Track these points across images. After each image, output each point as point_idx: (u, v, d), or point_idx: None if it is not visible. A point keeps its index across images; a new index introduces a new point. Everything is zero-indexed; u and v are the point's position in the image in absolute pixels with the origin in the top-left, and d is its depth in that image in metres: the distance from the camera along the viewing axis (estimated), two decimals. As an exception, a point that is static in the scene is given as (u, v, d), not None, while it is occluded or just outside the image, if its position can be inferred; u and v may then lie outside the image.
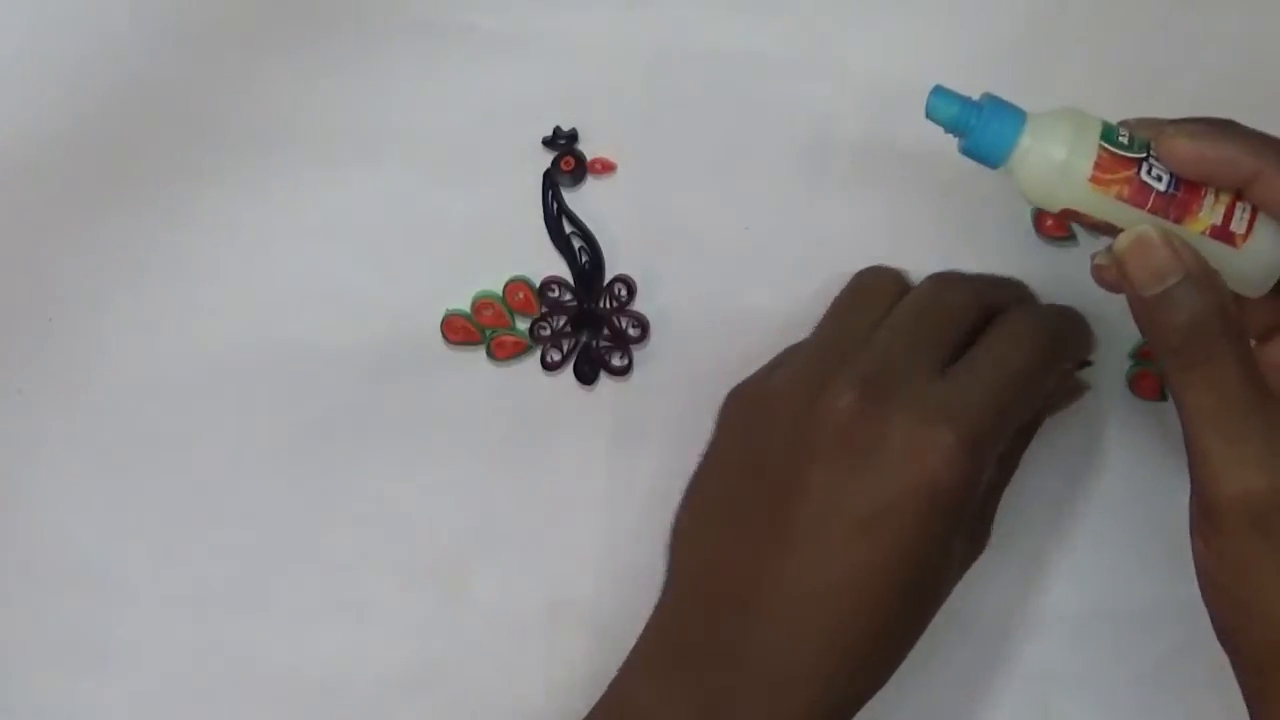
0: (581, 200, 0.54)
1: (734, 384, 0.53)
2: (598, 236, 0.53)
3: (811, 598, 0.42)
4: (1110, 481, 0.53)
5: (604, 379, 0.54)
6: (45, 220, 0.54)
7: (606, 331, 0.53)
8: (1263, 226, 0.40)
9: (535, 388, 0.54)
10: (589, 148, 0.54)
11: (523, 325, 0.54)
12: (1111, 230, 0.41)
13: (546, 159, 0.54)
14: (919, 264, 0.51)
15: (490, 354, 0.54)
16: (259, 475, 0.53)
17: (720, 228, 0.53)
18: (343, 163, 0.53)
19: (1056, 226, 0.53)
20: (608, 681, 0.52)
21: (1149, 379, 0.53)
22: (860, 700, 0.44)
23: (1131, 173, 0.40)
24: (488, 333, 0.53)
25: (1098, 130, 0.40)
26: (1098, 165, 0.40)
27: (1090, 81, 0.53)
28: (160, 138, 0.53)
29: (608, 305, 0.53)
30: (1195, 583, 0.52)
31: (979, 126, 0.41)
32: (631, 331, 0.53)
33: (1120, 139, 0.40)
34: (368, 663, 0.53)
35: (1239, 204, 0.40)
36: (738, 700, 0.42)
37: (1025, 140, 0.41)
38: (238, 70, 0.54)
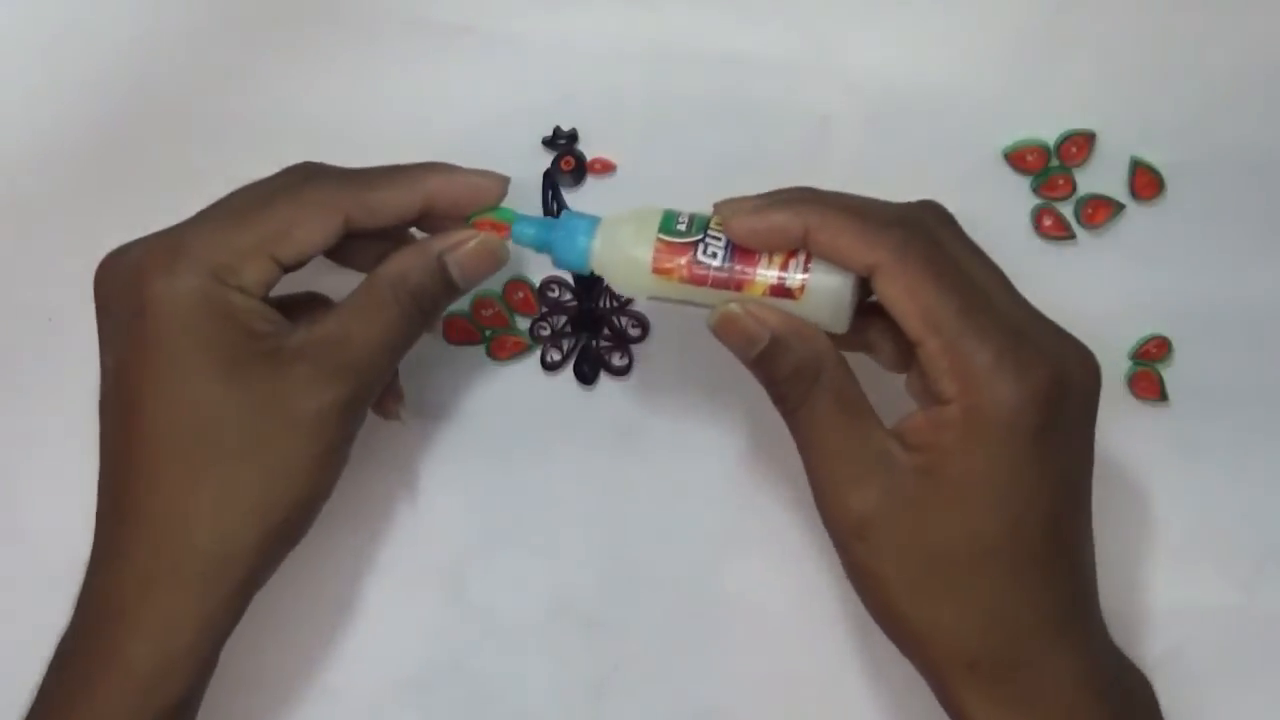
0: (581, 200, 0.54)
1: (733, 384, 0.53)
2: (598, 236, 0.53)
3: (107, 448, 0.45)
4: (1109, 482, 0.53)
5: (604, 379, 0.54)
6: (45, 220, 0.54)
7: (606, 331, 0.53)
8: (816, 274, 0.42)
9: (535, 388, 0.54)
10: (589, 148, 0.54)
11: (523, 325, 0.54)
12: (701, 306, 0.44)
13: (546, 159, 0.54)
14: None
15: (490, 354, 0.54)
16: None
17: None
18: (342, 162, 0.53)
19: (1055, 226, 0.54)
20: (608, 681, 0.52)
21: (1148, 379, 0.53)
22: (246, 517, 0.43)
23: (688, 257, 0.43)
24: (488, 333, 0.53)
25: (657, 223, 0.44)
26: (656, 255, 0.43)
27: (1090, 81, 0.53)
28: (161, 138, 0.53)
29: (608, 305, 0.53)
30: (1194, 584, 0.52)
31: (555, 241, 0.45)
32: (631, 331, 0.53)
33: (678, 227, 0.43)
34: (368, 663, 0.53)
35: (791, 261, 0.43)
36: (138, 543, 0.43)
37: (596, 246, 0.44)
38: (238, 70, 0.54)
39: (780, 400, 0.44)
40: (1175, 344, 0.53)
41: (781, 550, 0.53)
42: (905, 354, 0.45)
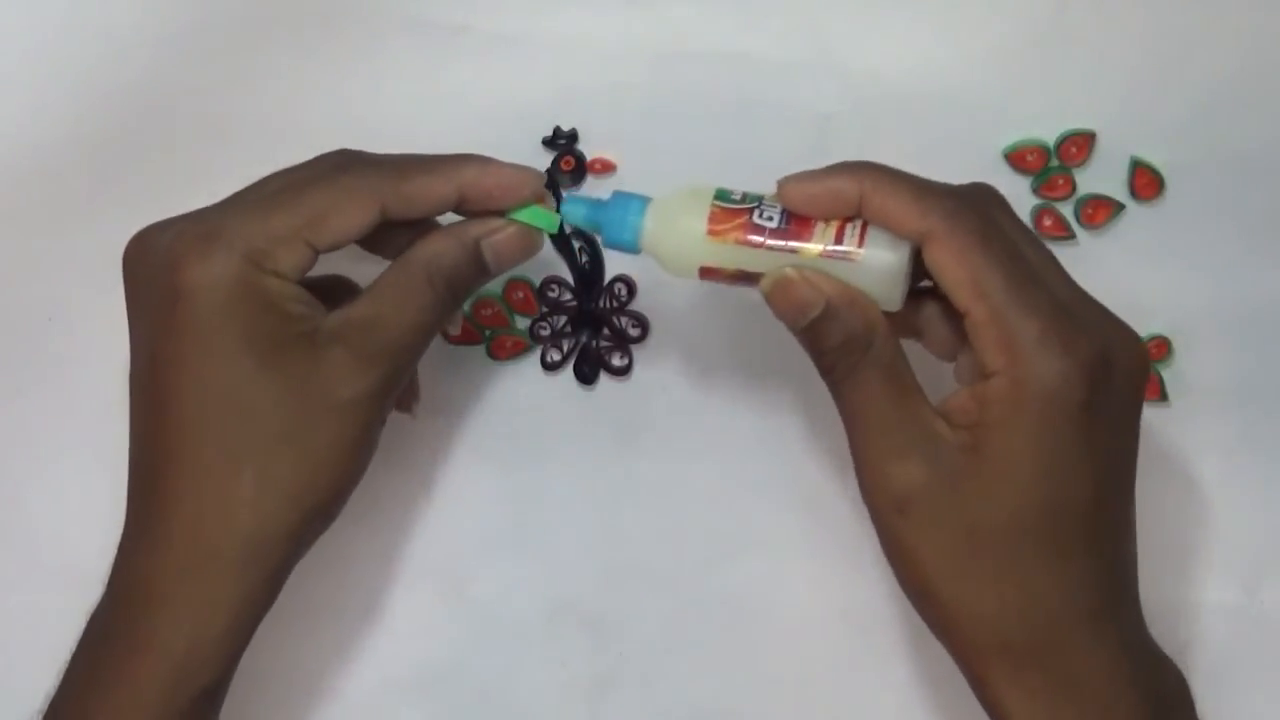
0: (581, 200, 0.54)
1: (734, 384, 0.53)
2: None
3: (142, 425, 0.44)
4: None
5: (604, 379, 0.54)
6: (45, 220, 0.54)
7: (606, 331, 0.53)
8: (874, 241, 0.42)
9: (535, 388, 0.54)
10: (589, 148, 0.54)
11: (523, 325, 0.54)
12: (749, 281, 0.44)
13: (546, 159, 0.54)
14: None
15: (490, 354, 0.54)
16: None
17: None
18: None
19: (1055, 226, 0.54)
20: (608, 681, 0.52)
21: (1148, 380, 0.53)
22: (290, 501, 0.43)
23: (744, 219, 0.43)
24: (488, 333, 0.53)
25: (711, 194, 0.44)
26: (711, 220, 0.43)
27: (1090, 81, 0.53)
28: (161, 137, 0.53)
29: (608, 305, 0.53)
30: (1196, 583, 0.52)
31: (606, 221, 0.45)
32: (631, 331, 0.53)
33: (733, 197, 0.44)
34: (368, 663, 0.53)
35: (848, 225, 0.43)
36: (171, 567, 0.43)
37: (648, 222, 0.44)
38: (238, 70, 0.54)
39: (827, 370, 0.43)
40: (1175, 344, 0.53)
41: (782, 550, 0.53)
42: (957, 339, 0.44)
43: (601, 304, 0.53)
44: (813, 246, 0.43)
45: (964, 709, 0.52)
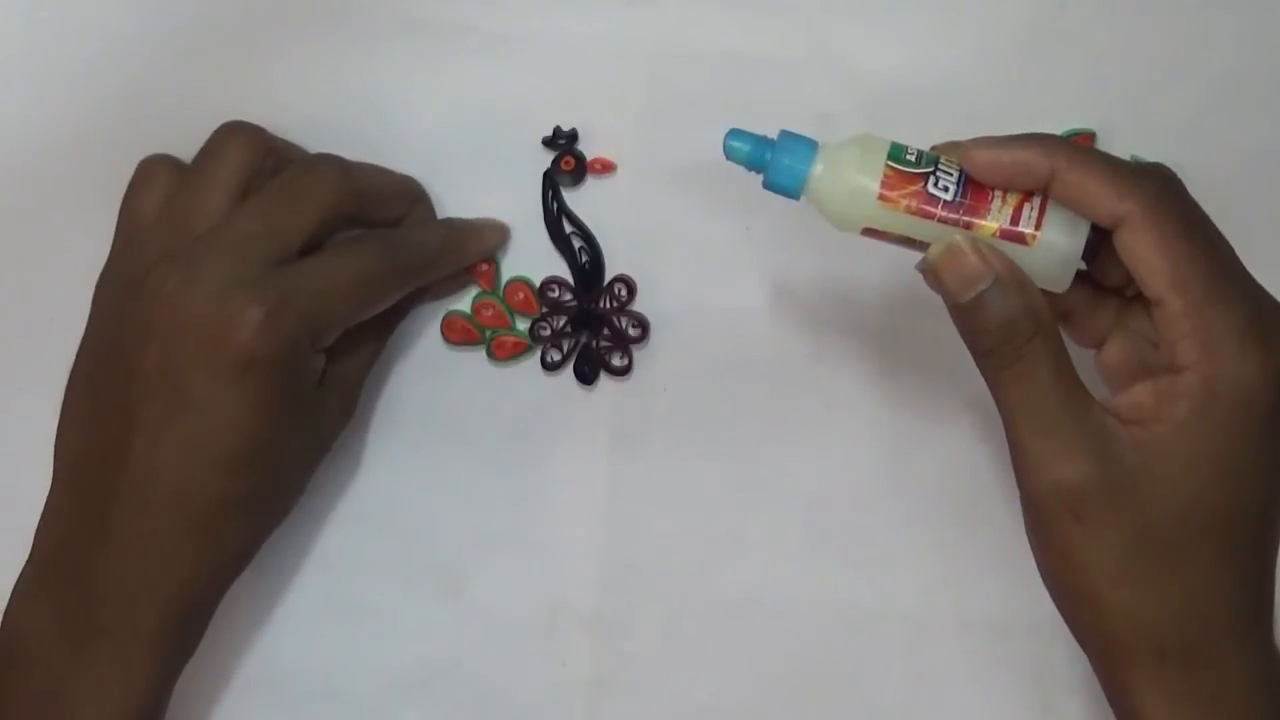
0: (581, 200, 0.54)
1: (733, 385, 0.53)
2: (598, 236, 0.53)
3: (158, 473, 0.45)
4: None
5: (604, 379, 0.54)
6: (45, 220, 0.54)
7: (606, 331, 0.53)
8: (1051, 222, 0.41)
9: (535, 388, 0.54)
10: (589, 148, 0.54)
11: (523, 325, 0.54)
12: (914, 245, 0.42)
13: (546, 159, 0.54)
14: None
15: (490, 354, 0.54)
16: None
17: (720, 228, 0.53)
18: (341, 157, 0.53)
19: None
20: (608, 681, 0.52)
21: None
22: (237, 558, 0.47)
23: (918, 187, 0.41)
24: (488, 333, 0.53)
25: (885, 151, 0.42)
26: (884, 183, 0.41)
27: (1090, 81, 0.53)
28: (160, 137, 0.53)
29: (608, 305, 0.53)
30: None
31: (773, 162, 0.43)
32: (631, 331, 0.53)
33: (908, 157, 0.42)
34: (368, 663, 0.53)
35: (1026, 204, 0.41)
36: (102, 582, 0.45)
37: (817, 169, 0.42)
38: (238, 70, 0.54)
39: (986, 354, 0.41)
40: (1175, 344, 0.53)
41: (781, 550, 0.53)
42: (1107, 326, 0.44)
43: (601, 304, 0.53)
44: (988, 224, 0.41)
45: (962, 709, 0.53)
